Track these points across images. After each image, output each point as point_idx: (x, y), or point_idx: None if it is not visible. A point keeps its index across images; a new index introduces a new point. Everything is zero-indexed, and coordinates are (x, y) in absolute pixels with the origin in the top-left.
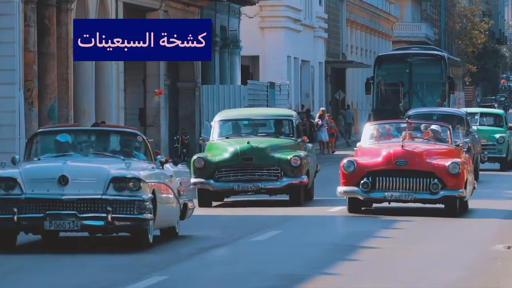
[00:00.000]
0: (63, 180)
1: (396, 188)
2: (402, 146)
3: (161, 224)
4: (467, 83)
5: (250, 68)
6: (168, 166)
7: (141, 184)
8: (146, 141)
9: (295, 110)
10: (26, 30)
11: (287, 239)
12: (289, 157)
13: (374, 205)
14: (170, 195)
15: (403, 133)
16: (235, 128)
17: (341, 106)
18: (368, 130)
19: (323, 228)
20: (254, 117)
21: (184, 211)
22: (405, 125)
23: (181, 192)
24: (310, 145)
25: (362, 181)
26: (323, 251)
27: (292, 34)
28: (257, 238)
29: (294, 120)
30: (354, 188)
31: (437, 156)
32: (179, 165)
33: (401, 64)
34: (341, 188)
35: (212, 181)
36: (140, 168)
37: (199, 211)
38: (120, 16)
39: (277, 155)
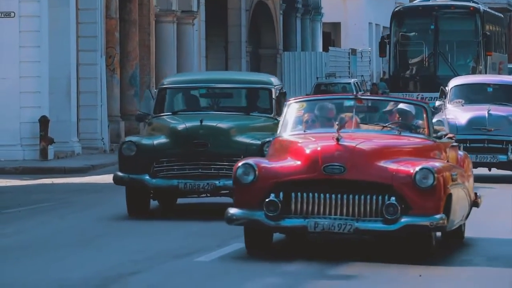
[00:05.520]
0: None
1: (326, 212)
2: (338, 139)
3: None
4: None
5: (331, 35)
6: None
7: None
8: None
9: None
10: None
11: None
12: (260, 143)
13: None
14: None
15: (343, 117)
16: (188, 99)
17: None
18: (292, 110)
19: None
20: (216, 84)
21: None
22: (352, 102)
23: None
24: None
25: (267, 200)
26: None
27: (374, 1)
28: None
29: (273, 90)
30: (255, 211)
31: (398, 157)
32: None
33: (425, 19)
34: (232, 211)
35: (147, 177)
36: None
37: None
38: None
39: (244, 139)
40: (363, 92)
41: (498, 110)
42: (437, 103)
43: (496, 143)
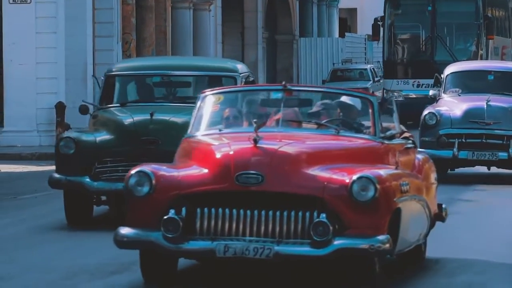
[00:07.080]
0: None
1: (239, 233)
2: (255, 140)
3: None
4: None
5: (348, 21)
6: None
7: None
8: None
9: None
10: None
11: None
12: None
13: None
14: None
15: (282, 116)
16: (140, 89)
17: None
18: (207, 104)
19: None
20: (173, 71)
21: None
22: (279, 95)
23: None
24: None
25: (166, 217)
26: None
27: None
28: None
29: (238, 78)
30: (151, 232)
31: (333, 163)
32: None
33: (422, 0)
34: (123, 231)
35: (88, 179)
36: None
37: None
38: None
39: None
40: (379, 78)
41: (499, 101)
42: (431, 92)
43: (496, 138)
